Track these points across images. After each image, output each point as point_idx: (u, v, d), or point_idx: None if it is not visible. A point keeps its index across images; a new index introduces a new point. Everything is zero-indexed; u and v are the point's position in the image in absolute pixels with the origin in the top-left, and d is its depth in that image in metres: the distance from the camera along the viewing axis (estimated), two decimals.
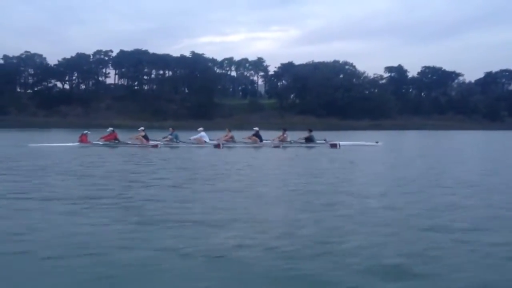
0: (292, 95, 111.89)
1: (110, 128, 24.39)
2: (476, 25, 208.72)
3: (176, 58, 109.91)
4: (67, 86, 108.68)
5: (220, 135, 25.48)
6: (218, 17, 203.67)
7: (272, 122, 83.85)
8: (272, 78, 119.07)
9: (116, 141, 23.53)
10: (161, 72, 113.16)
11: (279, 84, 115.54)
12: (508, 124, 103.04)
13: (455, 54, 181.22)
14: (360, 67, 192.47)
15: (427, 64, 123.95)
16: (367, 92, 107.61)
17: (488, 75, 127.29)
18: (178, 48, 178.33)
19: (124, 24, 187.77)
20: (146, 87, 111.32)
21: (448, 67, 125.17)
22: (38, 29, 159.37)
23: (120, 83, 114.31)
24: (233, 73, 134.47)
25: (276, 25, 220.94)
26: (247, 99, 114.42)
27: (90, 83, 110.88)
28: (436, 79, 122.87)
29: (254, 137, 24.14)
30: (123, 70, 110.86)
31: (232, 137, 24.59)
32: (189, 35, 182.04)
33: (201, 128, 24.84)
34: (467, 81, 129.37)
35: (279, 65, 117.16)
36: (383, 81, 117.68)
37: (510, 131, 77.73)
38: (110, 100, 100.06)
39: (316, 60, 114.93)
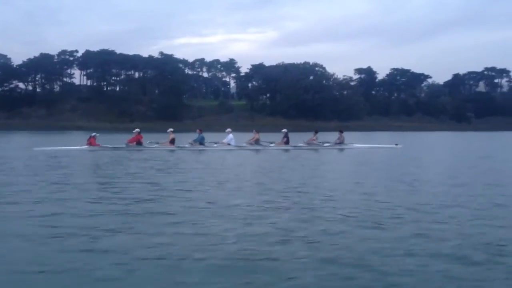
0: (262, 97, 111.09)
1: (137, 129, 22.91)
2: (448, 29, 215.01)
3: (145, 58, 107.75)
4: (30, 87, 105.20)
5: (248, 138, 24.56)
6: (197, 18, 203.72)
7: (241, 123, 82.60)
8: (242, 79, 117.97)
9: (138, 145, 22.18)
10: (129, 73, 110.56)
11: (249, 85, 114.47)
12: (474, 125, 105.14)
13: (426, 57, 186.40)
14: (335, 69, 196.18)
15: (397, 67, 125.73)
16: (337, 93, 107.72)
17: (456, 77, 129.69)
18: (156, 49, 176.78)
19: (102, 25, 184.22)
20: (113, 88, 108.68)
21: (419, 69, 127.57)
22: (13, 30, 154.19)
23: (87, 84, 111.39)
24: (206, 75, 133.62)
25: (254, 26, 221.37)
26: (218, 101, 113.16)
27: (55, 84, 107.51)
28: (405, 81, 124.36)
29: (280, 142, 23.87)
30: (89, 70, 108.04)
31: (258, 140, 23.71)
32: (166, 36, 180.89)
33: (229, 130, 23.82)
34: (436, 83, 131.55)
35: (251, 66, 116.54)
36: (354, 82, 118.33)
37: (476, 132, 79.41)
38: (75, 101, 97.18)
39: (288, 61, 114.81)
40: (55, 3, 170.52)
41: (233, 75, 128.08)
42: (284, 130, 24.43)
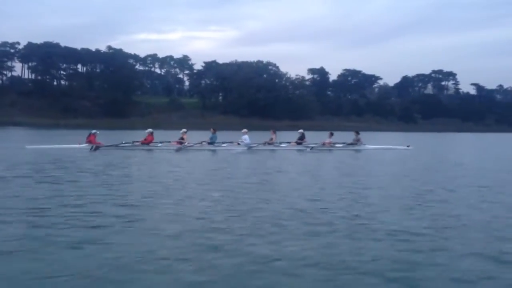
0: (214, 95, 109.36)
1: (149, 130, 21.68)
2: (401, 33, 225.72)
3: (92, 52, 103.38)
4: None
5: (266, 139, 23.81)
6: (157, 15, 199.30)
7: (192, 122, 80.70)
8: (194, 76, 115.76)
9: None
10: (75, 67, 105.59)
11: (202, 83, 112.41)
12: (421, 126, 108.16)
13: (379, 60, 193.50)
14: (293, 70, 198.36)
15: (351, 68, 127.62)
16: (289, 93, 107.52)
17: (405, 79, 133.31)
18: (114, 44, 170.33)
19: (57, 18, 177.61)
20: (56, 83, 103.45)
21: (372, 71, 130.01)
22: None
23: (31, 78, 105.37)
24: (159, 71, 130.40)
25: (214, 25, 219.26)
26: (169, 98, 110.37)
27: None
28: (356, 82, 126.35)
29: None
30: (32, 64, 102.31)
31: (272, 140, 23.13)
32: (125, 31, 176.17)
33: (245, 130, 23.02)
34: (386, 84, 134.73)
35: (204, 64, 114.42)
36: (307, 82, 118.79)
37: (423, 132, 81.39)
38: (15, 95, 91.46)
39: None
40: None
41: (187, 72, 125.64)
42: (301, 130, 24.02)
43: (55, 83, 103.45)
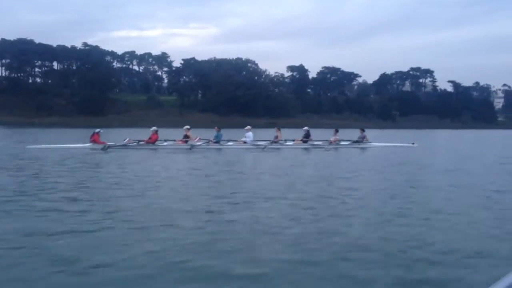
0: (193, 92, 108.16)
1: (154, 128, 21.16)
2: (380, 31, 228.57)
3: (67, 49, 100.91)
4: None
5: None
6: (136, 11, 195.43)
7: (171, 119, 79.65)
8: (173, 74, 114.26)
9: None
10: (50, 64, 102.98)
11: (181, 80, 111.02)
12: (399, 123, 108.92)
13: (359, 57, 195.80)
14: (274, 67, 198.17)
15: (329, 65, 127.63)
16: (269, 91, 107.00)
17: (383, 76, 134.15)
18: (93, 41, 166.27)
19: (35, 15, 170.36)
20: (33, 81, 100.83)
21: (352, 69, 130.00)
22: None
23: (3, 75, 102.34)
24: (137, 68, 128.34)
25: (195, 22, 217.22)
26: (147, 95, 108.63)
27: None
28: (335, 79, 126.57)
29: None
30: (6, 61, 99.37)
31: (278, 137, 23.17)
32: (104, 28, 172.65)
33: (248, 127, 22.87)
34: (365, 82, 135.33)
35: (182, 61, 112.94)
36: (286, 80, 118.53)
37: (401, 130, 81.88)
38: None
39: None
40: None
41: (165, 69, 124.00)
42: (306, 127, 24.02)
43: (30, 80, 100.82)
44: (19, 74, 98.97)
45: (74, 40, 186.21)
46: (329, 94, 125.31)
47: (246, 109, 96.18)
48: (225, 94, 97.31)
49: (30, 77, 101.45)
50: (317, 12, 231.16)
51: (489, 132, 77.04)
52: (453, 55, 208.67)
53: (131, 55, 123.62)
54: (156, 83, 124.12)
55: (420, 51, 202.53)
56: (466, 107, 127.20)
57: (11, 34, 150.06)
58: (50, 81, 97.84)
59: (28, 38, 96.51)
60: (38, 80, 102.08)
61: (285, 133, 35.52)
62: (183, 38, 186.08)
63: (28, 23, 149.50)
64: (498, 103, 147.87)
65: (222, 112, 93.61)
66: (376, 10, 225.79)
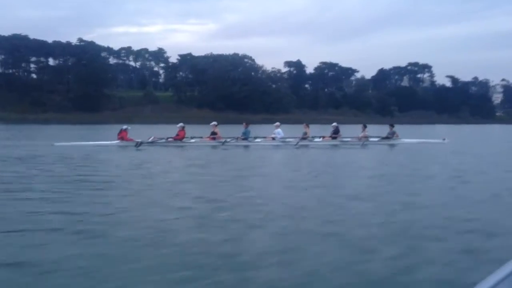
0: (190, 88, 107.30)
1: (181, 124, 20.61)
2: (378, 26, 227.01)
3: (63, 45, 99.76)
4: None
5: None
6: (135, 7, 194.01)
7: (167, 115, 79.04)
8: (169, 69, 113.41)
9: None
10: (45, 60, 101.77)
11: (177, 76, 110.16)
12: (397, 119, 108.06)
13: (357, 53, 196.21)
14: (271, 63, 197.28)
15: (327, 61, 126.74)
16: (266, 86, 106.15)
17: (381, 72, 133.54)
18: (91, 37, 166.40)
19: (34, 11, 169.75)
20: (27, 76, 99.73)
21: (349, 65, 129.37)
22: None
23: None
24: (134, 64, 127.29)
25: (194, 18, 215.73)
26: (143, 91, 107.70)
27: None
28: (333, 75, 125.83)
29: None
30: (0, 57, 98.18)
31: (306, 134, 22.45)
32: (103, 24, 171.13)
33: (277, 123, 22.11)
34: (363, 77, 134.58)
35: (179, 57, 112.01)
36: (284, 75, 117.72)
37: (400, 125, 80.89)
38: None
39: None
40: None
41: (162, 65, 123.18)
42: (334, 124, 23.15)
43: (24, 76, 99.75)
44: (13, 70, 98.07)
45: (72, 36, 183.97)
46: (326, 90, 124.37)
47: (243, 104, 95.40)
48: (221, 90, 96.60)
49: (25, 73, 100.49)
50: (314, 8, 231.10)
51: (490, 126, 76.57)
52: (451, 50, 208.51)
53: (128, 51, 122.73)
54: (153, 79, 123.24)
55: (418, 46, 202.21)
56: (464, 102, 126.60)
57: (6, 29, 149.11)
58: (45, 77, 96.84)
59: (23, 34, 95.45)
60: (33, 76, 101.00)
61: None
62: (182, 34, 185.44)
63: (25, 19, 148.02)
64: (497, 98, 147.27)
65: (218, 107, 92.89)
66: (374, 5, 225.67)
